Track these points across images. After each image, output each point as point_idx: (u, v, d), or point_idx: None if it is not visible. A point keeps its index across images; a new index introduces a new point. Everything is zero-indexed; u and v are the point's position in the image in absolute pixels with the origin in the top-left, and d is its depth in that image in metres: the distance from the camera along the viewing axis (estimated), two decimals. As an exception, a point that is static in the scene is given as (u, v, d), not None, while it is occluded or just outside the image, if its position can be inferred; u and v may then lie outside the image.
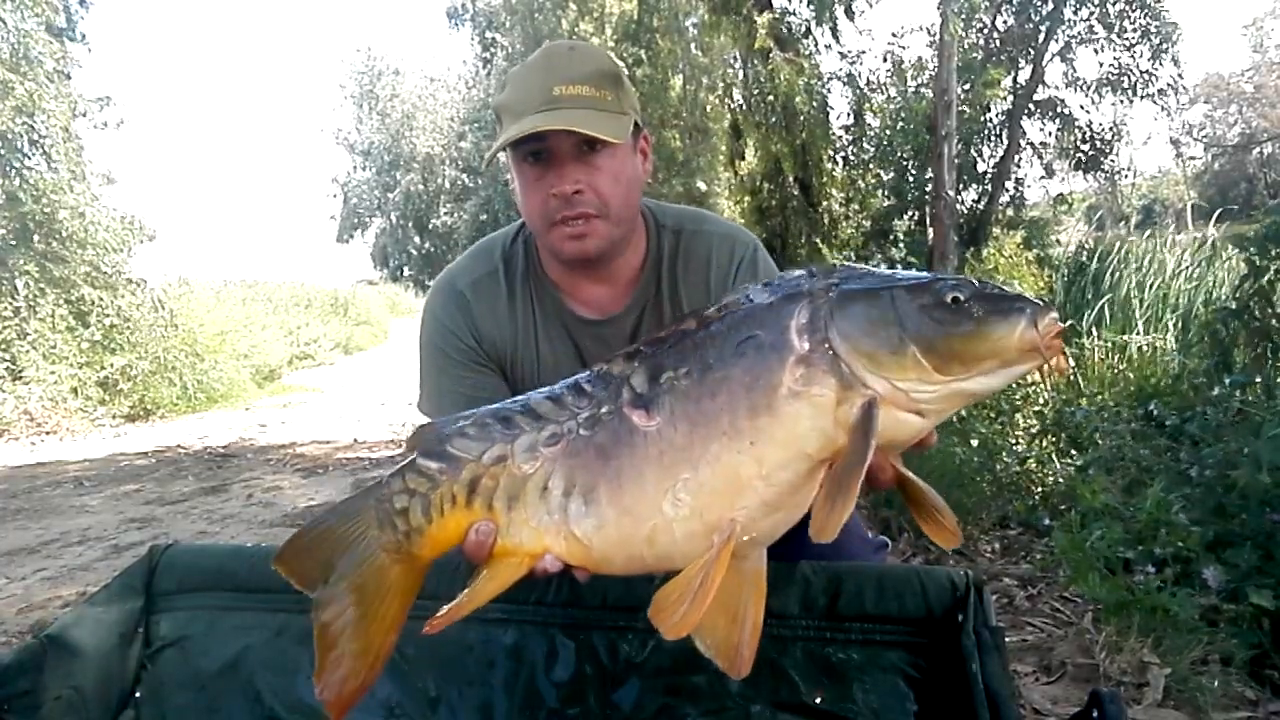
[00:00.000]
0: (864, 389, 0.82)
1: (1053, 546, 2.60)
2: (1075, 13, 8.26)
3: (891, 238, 7.33)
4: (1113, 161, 9.08)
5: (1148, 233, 9.69)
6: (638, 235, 1.42)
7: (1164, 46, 8.14)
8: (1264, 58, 30.24)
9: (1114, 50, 8.33)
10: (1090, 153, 8.79)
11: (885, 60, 8.87)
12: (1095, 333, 5.57)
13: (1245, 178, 26.75)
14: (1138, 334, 5.46)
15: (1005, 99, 8.47)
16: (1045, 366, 0.83)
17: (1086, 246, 8.52)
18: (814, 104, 8.11)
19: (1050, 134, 8.84)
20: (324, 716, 0.94)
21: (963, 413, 3.33)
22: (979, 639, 1.02)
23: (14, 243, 8.85)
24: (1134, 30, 8.20)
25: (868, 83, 8.91)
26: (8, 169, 8.94)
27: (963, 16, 7.34)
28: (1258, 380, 3.02)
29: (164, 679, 1.26)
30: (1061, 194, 9.49)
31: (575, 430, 0.92)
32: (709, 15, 8.66)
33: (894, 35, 9.91)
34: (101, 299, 9.26)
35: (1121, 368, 4.97)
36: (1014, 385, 3.74)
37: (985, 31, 8.52)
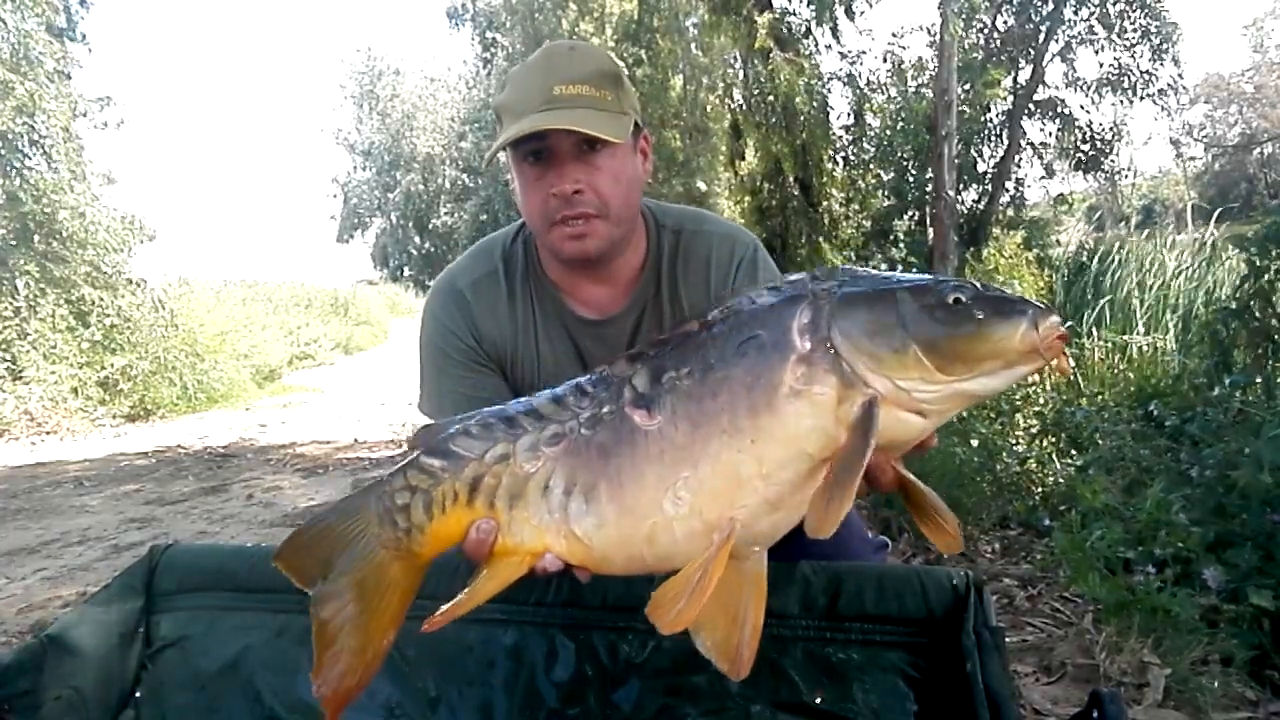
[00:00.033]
0: (865, 388, 0.82)
1: (1053, 547, 2.60)
2: (1075, 13, 8.26)
3: (892, 238, 7.33)
4: (1113, 162, 9.09)
5: (1146, 232, 9.69)
6: (638, 235, 1.42)
7: (1164, 47, 8.14)
8: (1264, 58, 30.25)
9: (1114, 50, 8.34)
10: (1090, 153, 8.80)
11: (885, 60, 8.88)
12: (1095, 333, 5.58)
13: (1245, 178, 26.74)
14: (1138, 334, 5.47)
15: (1005, 99, 8.47)
16: (1046, 368, 0.83)
17: (1087, 247, 8.53)
18: (814, 104, 8.11)
19: (1050, 134, 8.85)
20: (324, 717, 0.94)
21: (963, 413, 3.33)
22: (979, 639, 1.03)
23: (14, 243, 8.84)
24: (1134, 30, 8.21)
25: (868, 83, 8.91)
26: (8, 169, 8.95)
27: (963, 16, 7.35)
28: (1258, 380, 3.02)
29: (164, 679, 1.27)
30: (1062, 194, 9.50)
31: (577, 430, 0.92)
32: (709, 15, 8.66)
33: (894, 35, 9.93)
34: (102, 299, 9.26)
35: (1122, 368, 4.98)
36: (1014, 386, 3.74)
37: (985, 31, 8.52)
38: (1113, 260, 7.07)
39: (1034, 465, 3.44)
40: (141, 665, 1.26)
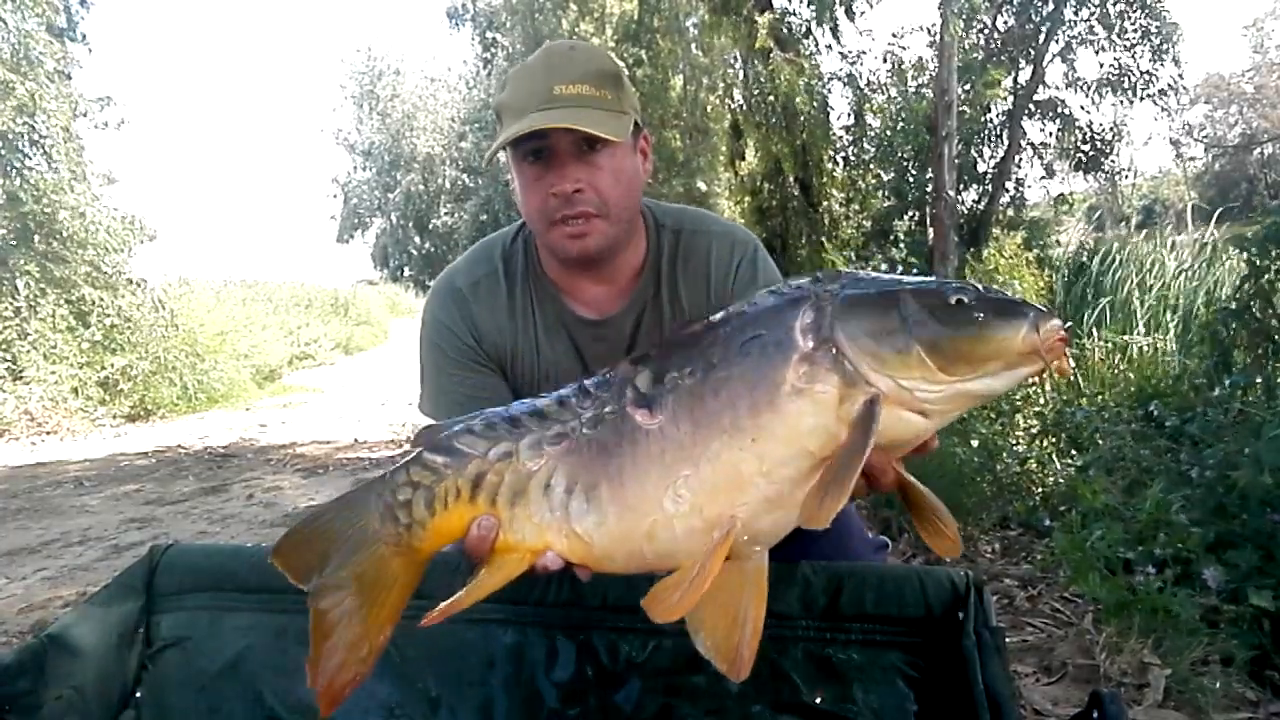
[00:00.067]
0: (867, 386, 0.83)
1: (1053, 547, 2.60)
2: (1075, 13, 8.26)
3: (892, 238, 7.32)
4: (1113, 162, 9.09)
5: (1143, 232, 9.70)
6: (638, 235, 1.42)
7: (1164, 47, 8.14)
8: (1264, 58, 30.25)
9: (1114, 51, 8.34)
10: (1090, 153, 8.80)
11: (885, 60, 8.88)
12: (1095, 333, 5.58)
13: (1246, 178, 26.73)
14: (1138, 334, 5.47)
15: (1005, 99, 8.47)
16: (1047, 371, 0.84)
17: (1087, 247, 8.53)
18: (814, 104, 8.11)
19: (1050, 134, 8.85)
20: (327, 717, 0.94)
21: (963, 414, 3.33)
22: (979, 639, 1.03)
23: (15, 243, 8.84)
24: (1134, 31, 8.21)
25: (868, 83, 8.91)
26: (8, 169, 8.94)
27: (963, 17, 7.34)
28: (1258, 381, 3.02)
29: (165, 679, 1.26)
30: (1062, 194, 9.49)
31: (579, 429, 0.93)
32: (709, 15, 8.66)
33: (894, 35, 9.93)
34: (102, 299, 9.26)
35: (1122, 368, 4.97)
36: (1015, 387, 3.73)
37: (985, 32, 8.52)
38: (1113, 260, 7.07)
39: (1034, 465, 3.44)
40: (142, 665, 1.26)
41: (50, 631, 1.16)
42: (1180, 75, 8.34)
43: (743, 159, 9.13)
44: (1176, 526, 2.25)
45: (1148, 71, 8.28)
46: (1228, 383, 3.09)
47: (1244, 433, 2.59)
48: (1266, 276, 3.06)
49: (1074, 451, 3.55)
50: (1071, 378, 4.54)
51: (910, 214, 8.48)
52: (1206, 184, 26.12)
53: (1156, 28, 8.08)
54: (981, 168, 8.63)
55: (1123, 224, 11.69)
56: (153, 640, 1.28)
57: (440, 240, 31.97)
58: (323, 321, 17.02)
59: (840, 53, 8.69)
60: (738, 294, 1.39)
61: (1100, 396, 4.39)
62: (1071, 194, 9.69)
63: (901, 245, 6.93)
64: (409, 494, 0.96)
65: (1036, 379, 4.05)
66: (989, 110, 8.46)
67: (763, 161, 8.59)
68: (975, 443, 3.30)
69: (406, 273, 34.00)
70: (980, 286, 0.87)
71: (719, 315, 0.94)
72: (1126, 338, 5.37)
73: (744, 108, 9.12)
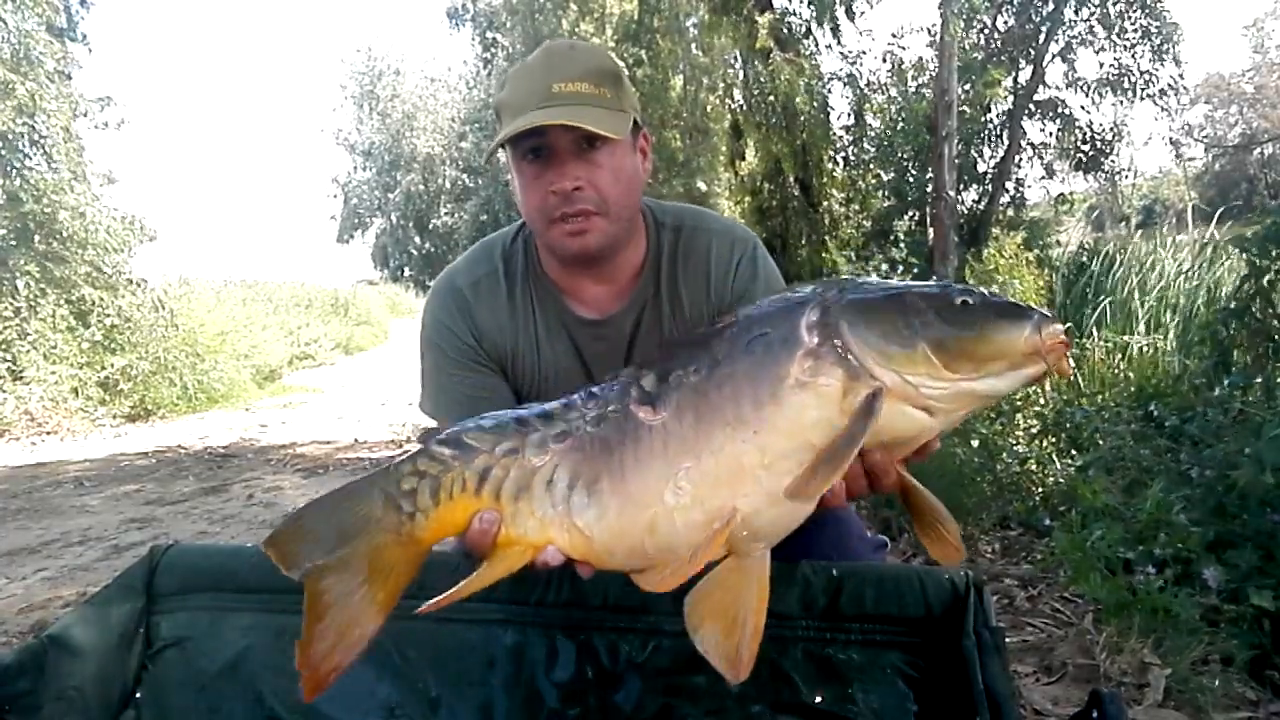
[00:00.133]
0: (871, 380, 0.84)
1: (1053, 547, 2.59)
2: (1075, 13, 8.25)
3: (892, 238, 7.31)
4: (1113, 162, 9.08)
5: (1140, 232, 9.70)
6: (637, 234, 1.42)
7: (1164, 47, 8.13)
8: (1264, 58, 30.26)
9: (1114, 51, 8.33)
10: (1091, 153, 8.79)
11: (885, 61, 8.88)
12: (1095, 333, 5.57)
13: (1246, 178, 26.73)
14: (1138, 334, 5.46)
15: (1005, 99, 8.46)
16: (1049, 375, 0.86)
17: (1087, 247, 8.52)
18: (814, 104, 8.11)
19: (1051, 134, 8.84)
20: (326, 717, 0.94)
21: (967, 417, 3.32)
22: (979, 639, 1.03)
23: (15, 243, 8.84)
24: (1134, 31, 8.20)
25: (868, 83, 8.91)
26: (8, 169, 8.94)
27: (963, 17, 7.34)
28: (1258, 381, 3.02)
29: (165, 680, 1.26)
30: (1062, 194, 9.49)
31: (583, 427, 0.94)
32: (709, 15, 8.66)
33: (894, 36, 9.94)
34: (102, 299, 9.26)
35: (1122, 368, 4.97)
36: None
37: (985, 32, 8.52)
38: (1113, 260, 7.07)
39: (1034, 465, 3.44)
40: (142, 666, 1.26)
41: (50, 632, 1.16)
42: (1180, 75, 8.35)
43: (743, 159, 9.12)
44: (1176, 526, 2.25)
45: (1148, 71, 8.27)
46: (1227, 383, 3.08)
47: (1244, 433, 2.59)
48: (1267, 277, 3.06)
49: (1074, 451, 3.54)
50: (1071, 378, 4.53)
51: (910, 214, 8.48)
52: (1206, 184, 26.12)
53: (1156, 28, 8.08)
54: (981, 168, 8.63)
55: (1123, 224, 11.69)
56: (153, 640, 1.28)
57: (440, 240, 31.97)
58: (323, 322, 17.02)
59: (840, 53, 8.71)
60: (738, 292, 1.40)
61: (1100, 396, 4.39)
62: (1071, 194, 9.69)
63: (901, 245, 6.92)
64: (414, 483, 0.96)
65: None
66: (989, 110, 8.46)
67: (763, 161, 8.59)
68: (975, 443, 3.30)
69: (406, 273, 34.01)
70: (984, 291, 0.89)
71: (724, 319, 0.95)
72: (1126, 338, 5.36)
73: (744, 108, 9.11)
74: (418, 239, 33.81)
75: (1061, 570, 2.53)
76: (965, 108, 7.81)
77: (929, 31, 8.52)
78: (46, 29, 9.10)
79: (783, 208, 8.50)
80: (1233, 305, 3.27)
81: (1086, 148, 8.76)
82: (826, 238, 8.13)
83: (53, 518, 4.63)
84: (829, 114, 8.64)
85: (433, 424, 1.31)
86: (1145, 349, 5.21)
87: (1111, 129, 8.77)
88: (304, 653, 0.93)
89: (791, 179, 8.37)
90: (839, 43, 8.52)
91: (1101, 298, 6.41)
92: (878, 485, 0.91)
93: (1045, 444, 3.68)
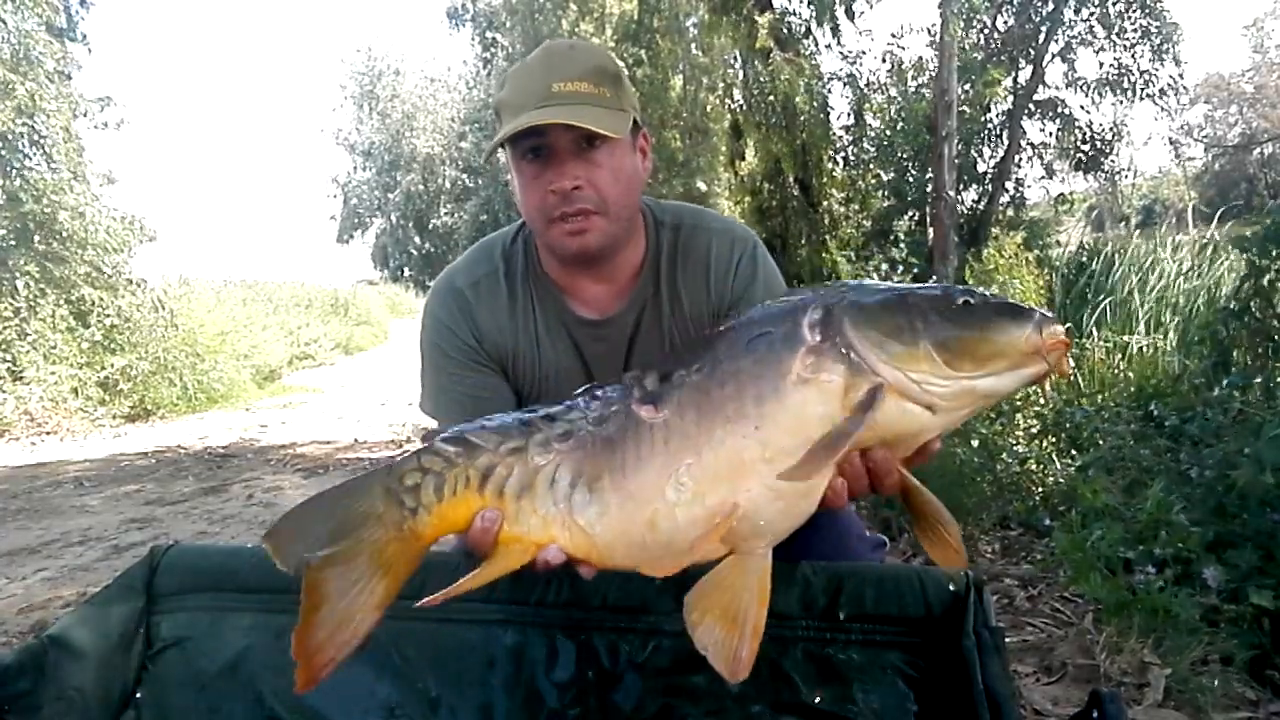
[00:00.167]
0: (873, 376, 0.85)
1: (1053, 547, 2.60)
2: (1075, 13, 8.26)
3: (892, 238, 7.33)
4: (1113, 162, 9.09)
5: (1138, 232, 9.70)
6: (637, 233, 1.42)
7: (1164, 47, 8.13)
8: (1264, 58, 30.24)
9: (1114, 51, 8.33)
10: (1090, 153, 8.79)
11: (885, 60, 8.88)
12: (1095, 333, 5.57)
13: (1245, 178, 26.72)
14: (1138, 334, 5.46)
15: (1005, 99, 8.47)
16: (1050, 376, 0.87)
17: (1087, 247, 8.51)
18: (814, 104, 8.11)
19: (1050, 134, 8.85)
20: (325, 717, 0.94)
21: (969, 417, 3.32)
22: (979, 639, 1.03)
23: (14, 243, 8.84)
24: (1134, 31, 8.20)
25: (868, 83, 8.91)
26: (8, 169, 8.94)
27: (963, 17, 7.34)
28: (1258, 381, 3.02)
29: (165, 680, 1.26)
30: (1062, 194, 9.49)
31: (586, 427, 0.95)
32: (709, 15, 8.66)
33: (894, 36, 9.95)
34: (102, 299, 9.26)
35: (1122, 368, 4.97)
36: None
37: (985, 32, 8.52)
38: (1113, 260, 7.07)
39: (1034, 465, 3.44)
40: (142, 666, 1.26)
41: (50, 632, 1.16)
42: (1180, 75, 8.36)
43: (743, 159, 9.12)
44: (1176, 526, 2.25)
45: (1147, 71, 8.28)
46: (1227, 383, 3.08)
47: (1244, 433, 2.59)
48: (1267, 276, 3.07)
49: (1074, 451, 3.55)
50: (1072, 378, 4.53)
51: (910, 214, 8.48)
52: (1206, 184, 26.13)
53: (1156, 28, 8.08)
54: (981, 168, 8.63)
55: (1122, 224, 11.69)
56: (153, 641, 1.28)
57: (440, 240, 31.98)
58: (323, 322, 17.03)
59: (840, 53, 8.71)
60: (738, 290, 1.40)
61: (1100, 396, 4.39)
62: (1071, 194, 9.70)
63: (901, 245, 6.94)
64: (418, 479, 0.97)
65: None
66: (989, 110, 8.46)
67: (763, 161, 8.59)
68: (975, 443, 3.30)
69: (406, 273, 34.01)
70: (986, 292, 0.90)
71: (727, 321, 0.96)
72: (1126, 338, 5.37)
73: (744, 108, 9.11)
74: (418, 239, 33.81)
75: (1061, 570, 2.53)
76: (965, 108, 7.81)
77: (929, 31, 8.53)
78: (46, 29, 9.10)
79: (783, 208, 8.50)
80: (1232, 305, 3.28)
81: (1086, 148, 8.77)
82: (826, 238, 8.13)
83: (53, 518, 4.63)
84: (829, 114, 8.64)
85: (433, 424, 1.31)
86: (1145, 349, 5.21)
87: (1111, 129, 8.78)
88: (300, 642, 0.94)
89: (791, 179, 8.37)
90: (839, 43, 8.54)
91: (1101, 298, 6.41)
92: (880, 485, 0.91)
93: (1045, 444, 3.68)
